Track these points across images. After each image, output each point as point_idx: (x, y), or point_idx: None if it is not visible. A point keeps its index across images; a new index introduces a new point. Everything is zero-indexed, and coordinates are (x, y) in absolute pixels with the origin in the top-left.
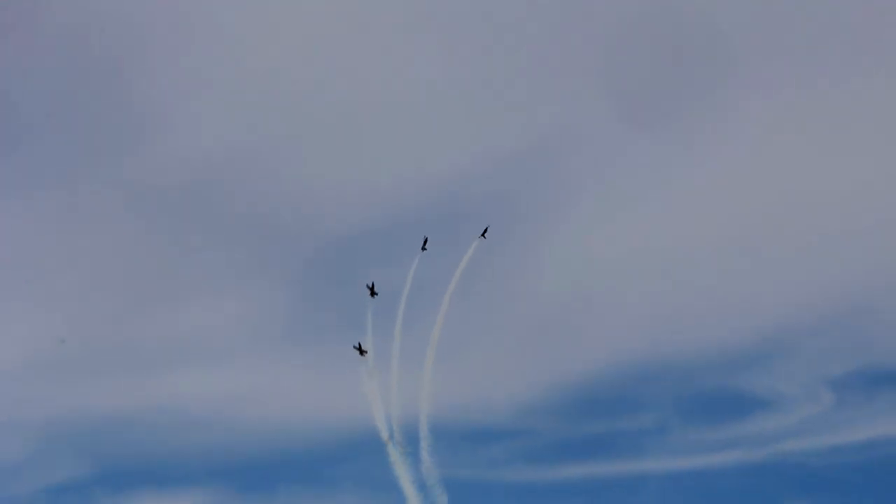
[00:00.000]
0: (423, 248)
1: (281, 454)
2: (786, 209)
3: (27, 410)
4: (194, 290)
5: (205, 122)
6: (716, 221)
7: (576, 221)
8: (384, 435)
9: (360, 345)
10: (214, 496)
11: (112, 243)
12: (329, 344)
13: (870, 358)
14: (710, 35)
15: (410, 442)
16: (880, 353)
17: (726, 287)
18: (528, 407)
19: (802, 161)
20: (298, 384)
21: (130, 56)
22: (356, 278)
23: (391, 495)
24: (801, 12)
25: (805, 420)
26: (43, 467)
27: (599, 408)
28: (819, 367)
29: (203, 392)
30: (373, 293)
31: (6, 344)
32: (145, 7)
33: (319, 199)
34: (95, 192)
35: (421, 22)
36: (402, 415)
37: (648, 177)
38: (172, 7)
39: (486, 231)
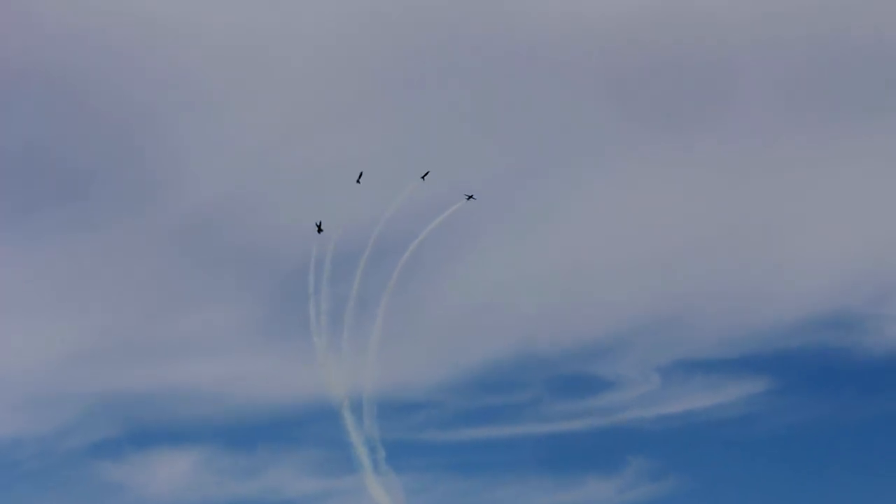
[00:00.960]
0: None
1: (261, 420)
2: (630, 239)
3: (78, 387)
4: (197, 302)
5: (203, 178)
6: (586, 247)
7: (484, 243)
8: (339, 404)
9: (318, 224)
10: (213, 451)
11: (140, 269)
12: (296, 340)
13: (686, 350)
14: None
15: (357, 410)
16: (694, 347)
17: (586, 296)
18: (441, 385)
19: (658, 198)
20: (274, 368)
21: (144, 126)
22: (320, 292)
23: (344, 451)
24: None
25: (640, 396)
26: (88, 429)
27: (492, 387)
28: (650, 357)
29: (204, 376)
30: (319, 230)
31: (68, 338)
32: (156, 89)
33: (287, 234)
34: (129, 232)
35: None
36: (351, 390)
37: (538, 211)
38: (176, 87)
39: (471, 196)
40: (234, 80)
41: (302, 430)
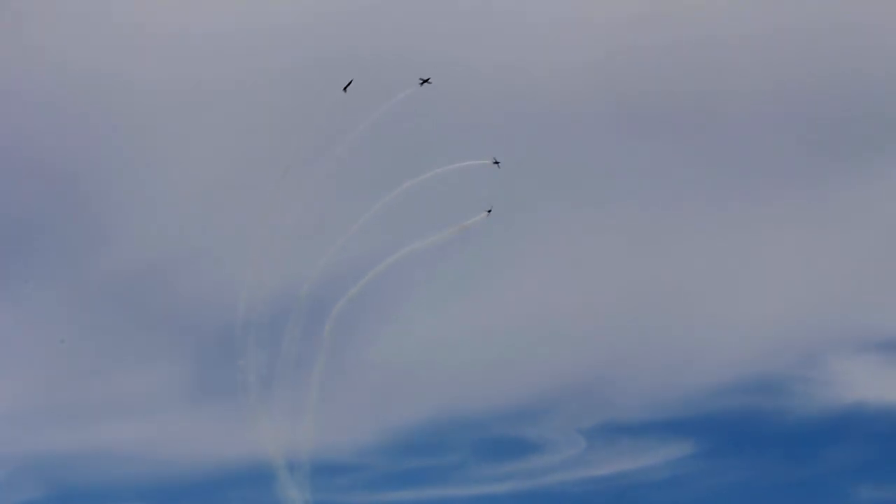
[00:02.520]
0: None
1: (190, 483)
2: (556, 301)
3: (2, 448)
4: (126, 362)
5: (133, 237)
6: (513, 309)
7: (412, 304)
8: (269, 466)
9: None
10: None
11: (67, 327)
12: (226, 401)
13: (612, 413)
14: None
15: (286, 472)
16: (619, 409)
17: (513, 357)
18: (369, 447)
19: (583, 261)
20: (203, 430)
21: (75, 183)
22: (251, 354)
23: None
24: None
25: (565, 459)
26: (11, 491)
27: (419, 449)
28: (576, 420)
29: (131, 437)
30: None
31: None
32: (92, 146)
33: (218, 294)
34: (56, 289)
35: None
36: (281, 452)
37: (466, 272)
38: (113, 144)
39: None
40: (168, 138)
41: (231, 492)
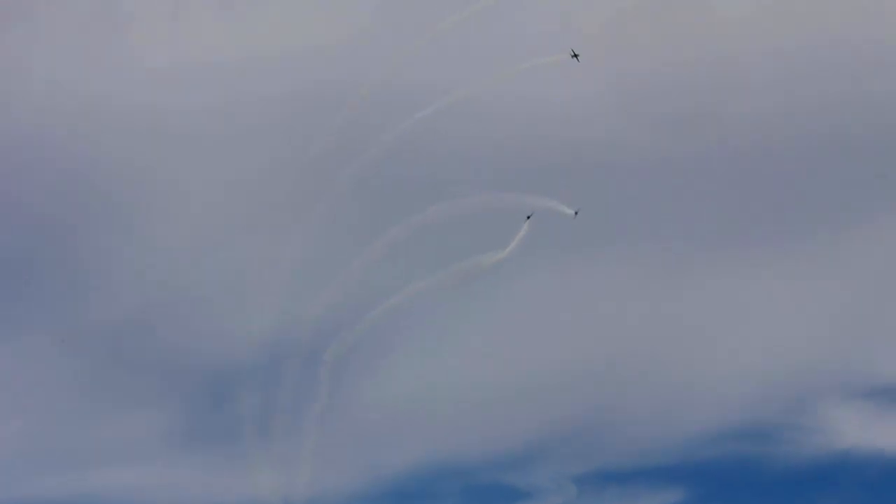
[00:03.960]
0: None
1: None
2: (547, 348)
3: None
4: (120, 407)
5: (127, 281)
6: (504, 356)
7: (405, 350)
8: None
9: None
10: None
11: (60, 372)
12: (222, 447)
13: (602, 460)
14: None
15: None
16: (610, 457)
17: (504, 404)
18: (359, 494)
19: (574, 308)
20: (199, 476)
21: (69, 227)
22: (244, 399)
23: None
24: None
25: None
26: None
27: (409, 496)
28: (566, 467)
29: (125, 483)
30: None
31: None
32: (83, 191)
33: (214, 339)
34: (49, 334)
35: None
36: (279, 498)
37: (459, 318)
38: (103, 189)
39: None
40: (159, 182)
41: None
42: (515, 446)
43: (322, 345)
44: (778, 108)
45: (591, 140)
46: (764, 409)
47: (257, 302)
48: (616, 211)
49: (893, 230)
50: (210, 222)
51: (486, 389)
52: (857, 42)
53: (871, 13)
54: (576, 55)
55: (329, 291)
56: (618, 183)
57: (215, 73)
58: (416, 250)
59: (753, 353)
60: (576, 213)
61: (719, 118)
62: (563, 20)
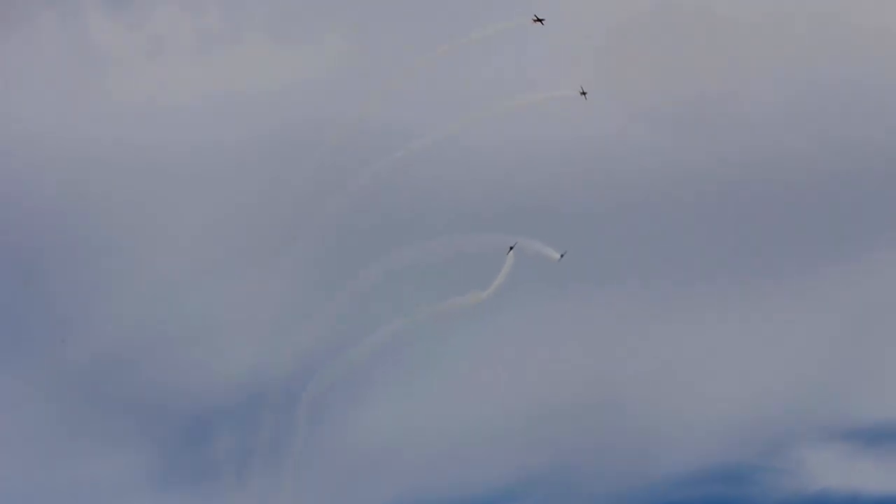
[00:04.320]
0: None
1: None
2: (522, 390)
3: None
4: (94, 450)
5: (106, 322)
6: (480, 397)
7: (382, 396)
8: None
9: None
10: None
11: (33, 414)
12: (199, 487)
13: (580, 501)
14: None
15: None
16: (588, 497)
17: (479, 448)
18: None
19: (550, 350)
20: None
21: (45, 267)
22: (223, 439)
23: None
24: None
25: None
26: None
27: None
28: None
29: None
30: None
31: None
32: (61, 232)
33: (196, 379)
34: (23, 374)
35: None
36: None
37: (438, 365)
38: (82, 230)
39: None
40: (133, 223)
41: None
42: (494, 486)
43: (301, 384)
44: (752, 152)
45: (572, 181)
46: (740, 450)
47: (236, 341)
48: (596, 252)
49: (869, 273)
50: (188, 262)
51: (465, 430)
52: (851, 85)
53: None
54: (584, 93)
55: (308, 330)
56: (597, 224)
57: (192, 113)
58: (396, 290)
59: (730, 394)
60: (561, 255)
61: (697, 162)
62: (547, 61)
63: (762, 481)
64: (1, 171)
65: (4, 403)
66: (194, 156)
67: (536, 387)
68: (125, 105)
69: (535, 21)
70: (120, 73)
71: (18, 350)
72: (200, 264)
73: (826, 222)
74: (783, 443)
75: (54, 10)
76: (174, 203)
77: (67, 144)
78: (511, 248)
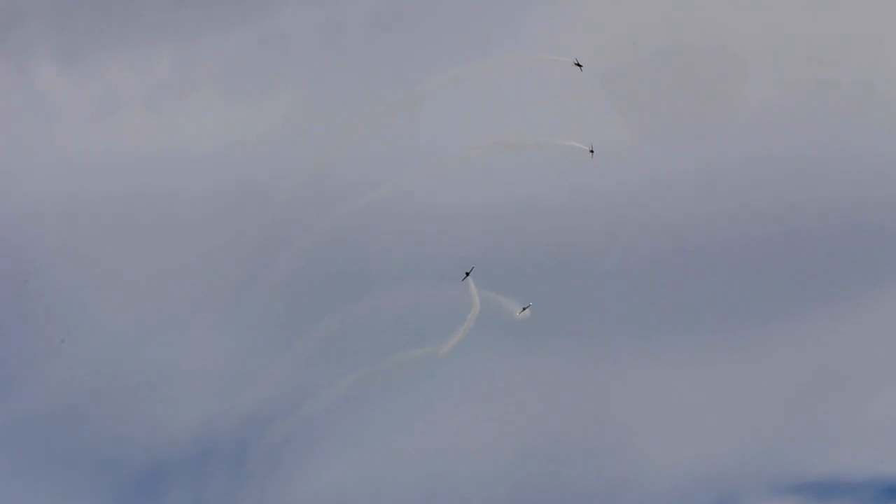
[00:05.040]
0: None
1: None
2: (482, 443)
3: None
4: (46, 502)
5: (53, 375)
6: (437, 449)
7: (337, 449)
8: None
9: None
10: None
11: None
12: None
13: None
14: None
15: None
16: None
17: (432, 501)
18: None
19: (508, 401)
20: None
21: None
22: (176, 492)
23: None
24: None
25: None
26: None
27: None
28: None
29: None
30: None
31: None
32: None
33: (146, 432)
34: None
35: None
36: None
37: (393, 416)
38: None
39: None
40: (91, 271)
41: None
42: None
43: (255, 437)
44: (707, 212)
45: (528, 234)
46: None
47: (190, 393)
48: (548, 306)
49: (821, 328)
50: (140, 315)
51: (419, 482)
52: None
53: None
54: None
55: (262, 383)
56: (552, 278)
57: (143, 166)
58: (351, 343)
59: (681, 448)
60: (523, 308)
61: (652, 219)
62: (506, 108)
63: None
64: None
65: None
66: (146, 209)
67: (492, 441)
68: (76, 159)
69: (575, 65)
70: (70, 127)
71: None
72: (153, 317)
73: (777, 282)
74: (735, 496)
75: (2, 63)
76: (126, 257)
77: (17, 198)
78: (467, 274)
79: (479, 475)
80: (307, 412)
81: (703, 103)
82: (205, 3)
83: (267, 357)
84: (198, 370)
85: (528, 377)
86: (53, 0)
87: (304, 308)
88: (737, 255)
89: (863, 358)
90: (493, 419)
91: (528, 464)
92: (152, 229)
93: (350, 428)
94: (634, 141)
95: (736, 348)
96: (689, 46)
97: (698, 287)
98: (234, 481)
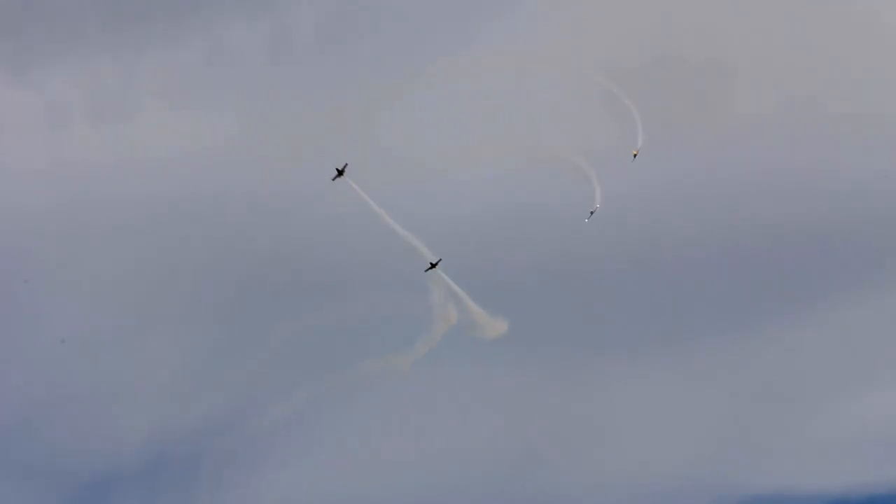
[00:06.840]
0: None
1: None
2: (442, 459)
3: None
4: None
5: (7, 382)
6: (385, 467)
7: (289, 461)
8: None
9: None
10: None
11: None
12: None
13: None
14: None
15: None
16: None
17: None
18: None
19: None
20: None
21: None
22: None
23: None
24: None
25: None
26: None
27: None
28: None
29: None
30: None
31: None
32: None
33: (96, 441)
34: None
35: None
36: None
37: (343, 434)
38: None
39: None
40: (46, 281)
41: None
42: None
43: (207, 448)
44: (656, 230)
45: (496, 244)
46: None
47: (140, 403)
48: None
49: (770, 344)
50: (90, 325)
51: (375, 495)
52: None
53: None
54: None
55: (214, 394)
56: (504, 295)
57: (91, 179)
58: (305, 354)
59: (627, 465)
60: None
61: (608, 237)
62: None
63: None
64: None
65: None
66: (95, 220)
67: (444, 454)
68: (23, 171)
69: (634, 155)
70: (17, 139)
71: None
72: (103, 327)
73: (722, 298)
74: None
75: None
76: (75, 267)
77: None
78: (433, 265)
79: (429, 488)
80: (259, 423)
81: (696, 114)
82: (151, 17)
83: (219, 368)
84: (149, 381)
85: (480, 391)
86: None
87: (257, 319)
88: (684, 273)
89: (808, 375)
90: (445, 432)
91: (481, 478)
92: (99, 240)
93: (302, 439)
94: (626, 151)
95: (680, 366)
96: (682, 58)
97: (646, 305)
98: (184, 491)
